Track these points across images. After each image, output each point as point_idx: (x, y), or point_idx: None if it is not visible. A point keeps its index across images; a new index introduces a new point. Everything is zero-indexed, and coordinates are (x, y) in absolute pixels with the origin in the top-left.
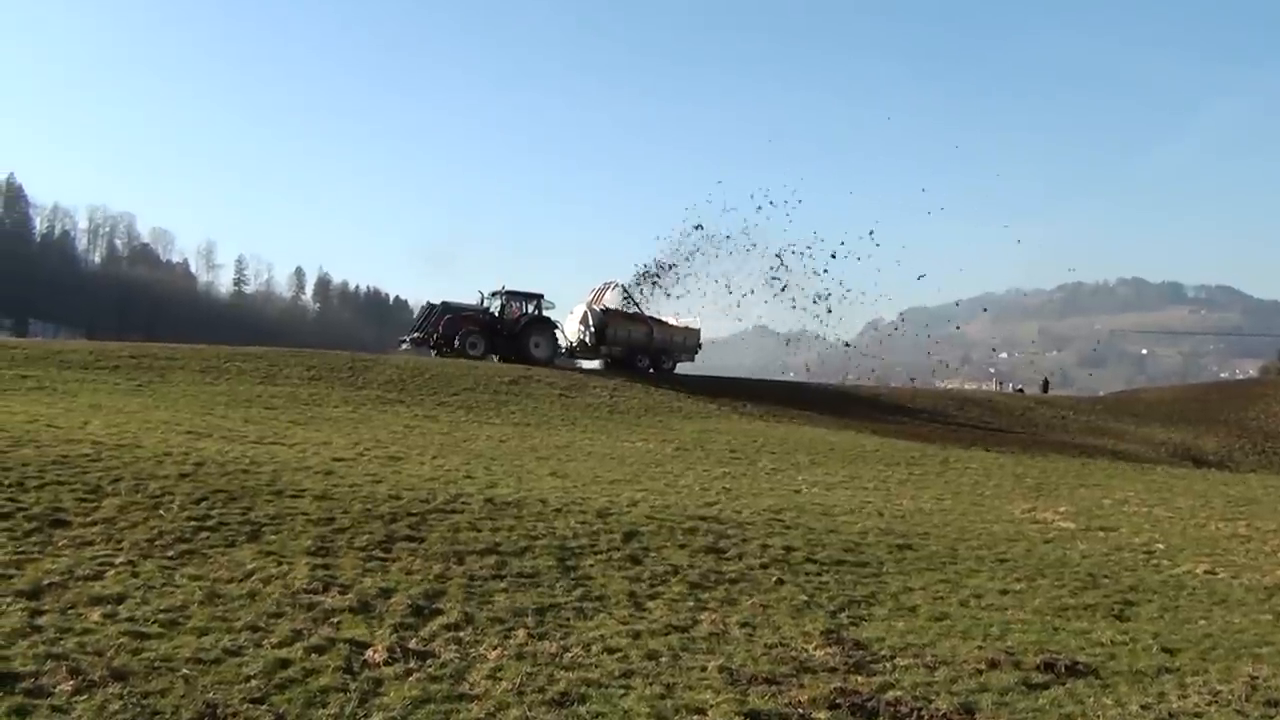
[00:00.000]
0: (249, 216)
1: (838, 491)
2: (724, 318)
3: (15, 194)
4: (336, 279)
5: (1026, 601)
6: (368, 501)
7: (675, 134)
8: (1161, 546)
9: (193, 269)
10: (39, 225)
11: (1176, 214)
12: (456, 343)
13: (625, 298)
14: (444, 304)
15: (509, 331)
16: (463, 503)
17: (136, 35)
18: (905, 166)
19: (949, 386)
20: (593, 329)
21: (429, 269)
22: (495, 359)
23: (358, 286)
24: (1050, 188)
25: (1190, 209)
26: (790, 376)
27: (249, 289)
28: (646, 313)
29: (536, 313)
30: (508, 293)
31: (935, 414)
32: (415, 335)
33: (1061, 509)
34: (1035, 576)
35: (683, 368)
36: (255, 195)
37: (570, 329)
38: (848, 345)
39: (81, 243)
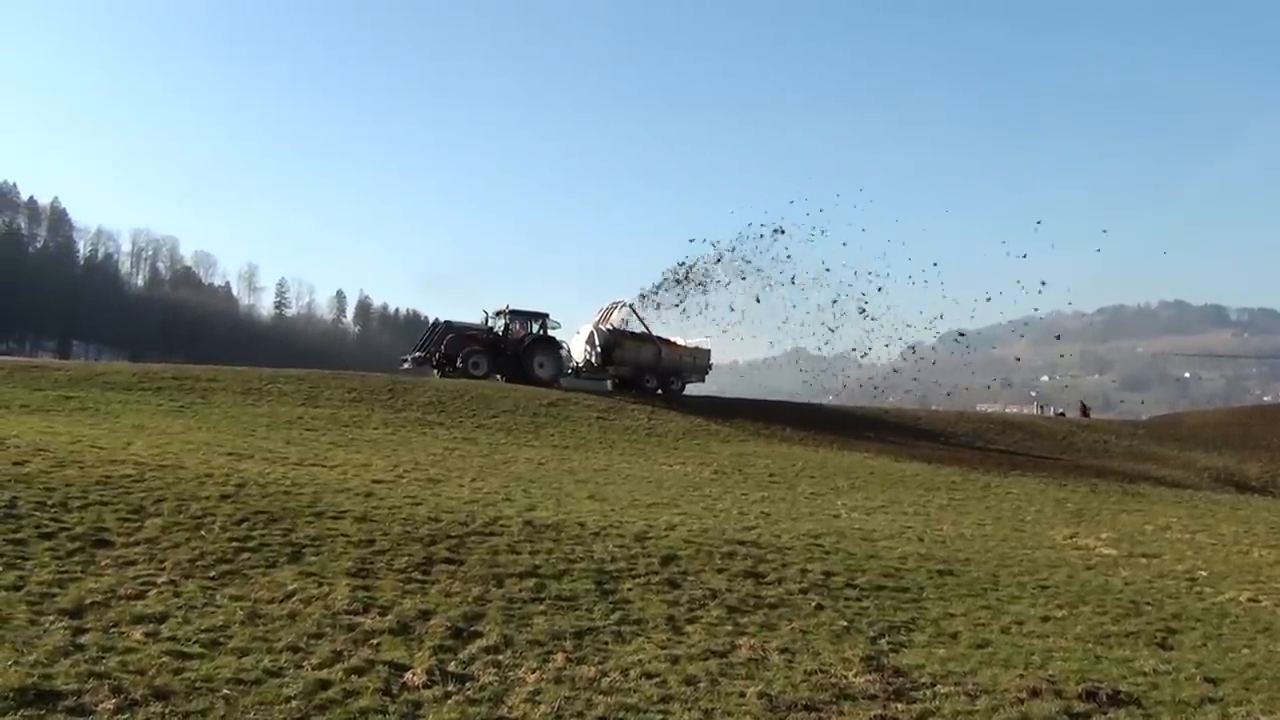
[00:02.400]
0: (291, 240)
1: (877, 516)
2: (762, 340)
3: (60, 217)
4: (377, 302)
5: (1068, 629)
6: (407, 523)
7: (691, 156)
8: (1204, 574)
9: (235, 292)
10: (83, 248)
11: (1219, 236)
12: (459, 362)
13: (628, 317)
14: (447, 323)
15: (513, 351)
16: (501, 525)
17: (180, 61)
18: (942, 189)
19: (990, 410)
20: (599, 349)
21: (450, 291)
22: (500, 379)
23: (397, 309)
24: (1092, 210)
25: (1233, 231)
26: (830, 400)
27: (290, 312)
28: (654, 331)
29: (541, 332)
30: (511, 312)
31: (976, 438)
32: (417, 354)
33: (1103, 535)
34: (1077, 604)
35: (709, 390)
36: (298, 219)
37: (576, 349)
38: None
39: (125, 266)
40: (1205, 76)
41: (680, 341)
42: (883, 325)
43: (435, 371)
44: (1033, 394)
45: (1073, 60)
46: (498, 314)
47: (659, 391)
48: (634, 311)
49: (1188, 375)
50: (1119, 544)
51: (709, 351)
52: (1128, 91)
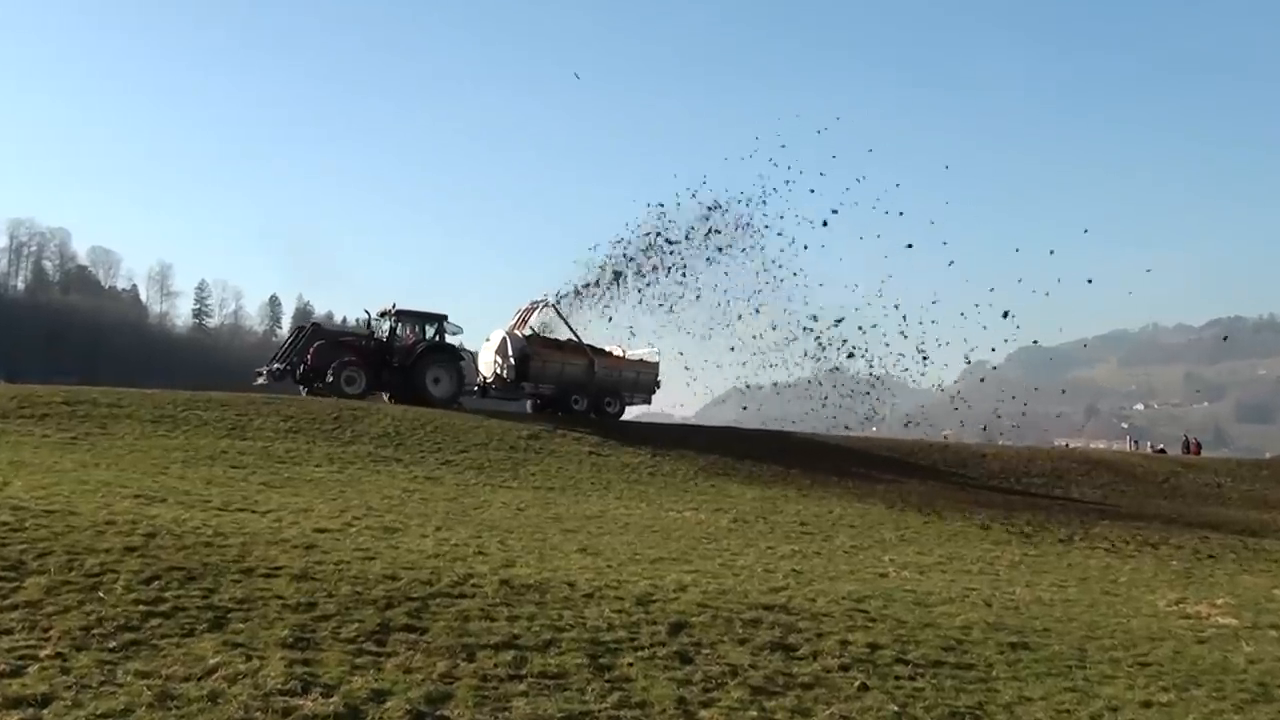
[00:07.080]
0: (213, 238)
1: (933, 575)
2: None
3: None
4: (320, 309)
5: (1177, 717)
6: (357, 583)
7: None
8: None
9: (143, 297)
10: None
11: None
12: (329, 376)
13: (551, 319)
14: (314, 325)
15: (401, 362)
16: (473, 585)
17: (75, 29)
18: (1023, 181)
19: (1071, 445)
20: (513, 360)
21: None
22: (386, 398)
23: (345, 318)
24: (1201, 204)
25: None
26: (873, 431)
27: (212, 322)
28: (589, 339)
29: (437, 338)
30: (399, 312)
31: (1055, 480)
32: (276, 366)
33: (1219, 601)
34: (1187, 686)
35: (728, 420)
36: (222, 214)
37: (485, 360)
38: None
39: (1, 264)
40: None
41: (618, 352)
42: (936, 338)
43: (302, 389)
44: (1124, 425)
45: (1186, 31)
46: (382, 314)
47: (591, 415)
48: (559, 313)
49: None
50: (1240, 612)
51: (657, 365)
52: (1248, 66)
